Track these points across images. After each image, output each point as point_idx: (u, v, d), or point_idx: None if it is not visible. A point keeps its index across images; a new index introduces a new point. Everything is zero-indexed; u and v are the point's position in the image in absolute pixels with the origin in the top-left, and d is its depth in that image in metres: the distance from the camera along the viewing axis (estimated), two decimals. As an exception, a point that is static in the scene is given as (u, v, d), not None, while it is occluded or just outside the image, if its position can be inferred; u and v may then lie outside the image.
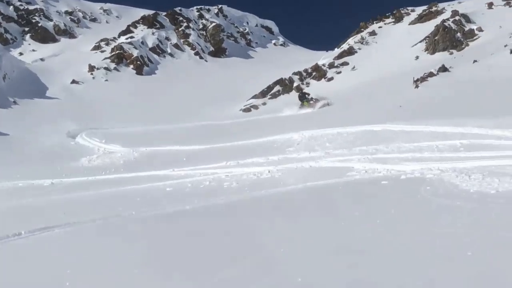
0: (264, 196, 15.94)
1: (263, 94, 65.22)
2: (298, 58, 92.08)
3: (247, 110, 60.06)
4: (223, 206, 14.93)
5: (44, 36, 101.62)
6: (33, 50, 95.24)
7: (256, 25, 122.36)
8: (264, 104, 61.54)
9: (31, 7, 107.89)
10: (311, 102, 47.34)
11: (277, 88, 65.22)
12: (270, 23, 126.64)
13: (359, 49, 69.28)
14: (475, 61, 46.33)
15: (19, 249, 11.65)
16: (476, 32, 59.14)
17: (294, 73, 67.57)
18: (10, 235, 12.52)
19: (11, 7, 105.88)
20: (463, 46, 57.17)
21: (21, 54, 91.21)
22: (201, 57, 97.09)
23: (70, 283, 8.97)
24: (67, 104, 63.79)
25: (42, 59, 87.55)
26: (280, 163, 23.19)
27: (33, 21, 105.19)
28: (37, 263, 10.54)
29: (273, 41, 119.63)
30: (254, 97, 64.93)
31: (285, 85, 65.39)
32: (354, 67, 63.47)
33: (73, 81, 75.75)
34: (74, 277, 9.32)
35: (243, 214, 13.63)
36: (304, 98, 48.53)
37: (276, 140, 30.71)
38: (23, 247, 11.82)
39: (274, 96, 63.66)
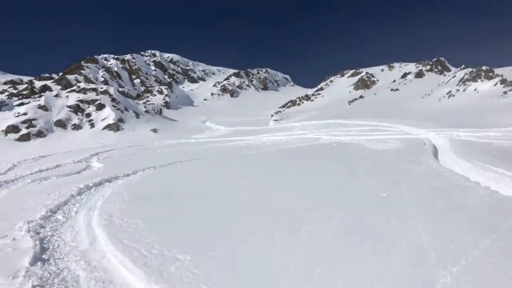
0: (283, 148, 15.86)
1: (283, 106, 64.61)
2: (299, 91, 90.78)
3: (275, 113, 59.77)
4: (267, 152, 14.88)
5: (193, 80, 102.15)
6: (188, 86, 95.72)
7: (281, 77, 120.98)
8: (283, 110, 61.12)
9: (187, 67, 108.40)
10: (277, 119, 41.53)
11: (289, 104, 64.51)
12: (287, 76, 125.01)
13: (325, 87, 68.04)
14: (375, 93, 45.37)
15: (178, 168, 11.74)
16: (376, 81, 57.72)
17: (297, 97, 66.72)
18: (173, 162, 12.68)
19: (179, 67, 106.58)
20: (370, 88, 55.86)
21: (183, 87, 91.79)
22: (258, 90, 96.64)
23: (203, 182, 9.06)
24: (202, 109, 64.14)
25: (191, 90, 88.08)
26: (290, 135, 23.06)
27: (189, 73, 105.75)
28: (188, 174, 10.63)
29: (288, 84, 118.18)
30: (279, 107, 64.46)
31: (293, 102, 64.66)
32: (323, 96, 62.42)
33: (205, 99, 76.18)
34: (205, 179, 9.41)
35: (272, 156, 13.61)
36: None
37: (288, 126, 30.51)
38: (181, 167, 11.90)
39: (288, 107, 63.06)
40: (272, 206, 6.36)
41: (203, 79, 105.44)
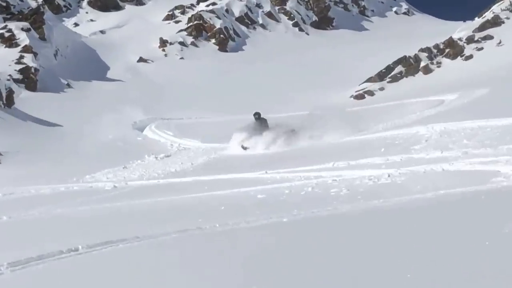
0: (382, 206, 15.77)
1: (380, 76, 65.01)
2: (426, 30, 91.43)
3: (359, 96, 60.06)
4: (329, 218, 14.85)
5: (105, 3, 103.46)
6: (92, 20, 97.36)
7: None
8: (381, 89, 61.48)
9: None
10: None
11: (399, 69, 64.87)
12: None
13: (507, 18, 68.13)
14: None
15: (75, 268, 11.75)
16: None
17: (421, 50, 66.93)
18: (64, 250, 12.68)
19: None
20: None
21: (76, 25, 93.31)
22: (301, 29, 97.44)
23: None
24: (132, 88, 65.10)
25: (102, 32, 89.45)
26: (403, 164, 22.99)
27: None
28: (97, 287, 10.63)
29: (394, 9, 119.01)
30: (369, 80, 64.87)
31: (410, 65, 64.91)
32: (500, 42, 62.52)
33: (141, 59, 77.19)
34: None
35: (354, 229, 13.52)
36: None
37: (398, 135, 30.55)
38: (80, 266, 11.92)
39: (395, 79, 63.41)
40: None
41: (137, 0, 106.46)
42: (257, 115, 38.56)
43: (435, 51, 65.94)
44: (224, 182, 23.85)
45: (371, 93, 60.53)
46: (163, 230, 14.40)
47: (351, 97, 60.98)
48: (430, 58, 64.70)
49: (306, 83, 67.83)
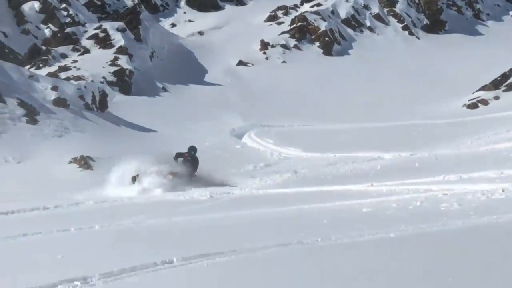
0: (496, 223, 15.51)
1: (495, 84, 63.90)
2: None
3: (473, 106, 59.22)
4: (439, 234, 14.63)
5: (204, 2, 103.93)
6: (189, 21, 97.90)
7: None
8: (496, 98, 60.46)
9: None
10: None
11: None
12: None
13: None
14: None
15: (170, 281, 11.75)
16: None
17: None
18: (158, 262, 12.73)
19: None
20: None
21: (173, 25, 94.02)
22: (411, 33, 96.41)
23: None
24: (231, 93, 65.16)
25: (200, 33, 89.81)
26: (519, 179, 22.60)
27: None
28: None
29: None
30: (483, 88, 63.86)
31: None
32: None
33: (240, 62, 77.21)
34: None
35: (467, 246, 13.30)
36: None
37: (515, 147, 29.99)
38: (174, 279, 11.94)
39: (511, 87, 62.19)
40: None
41: (238, 0, 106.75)
42: (193, 151, 34.84)
43: None
44: (327, 194, 23.68)
45: (485, 102, 59.55)
46: (262, 243, 14.35)
47: (463, 106, 60.14)
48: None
49: (415, 91, 67.20)
